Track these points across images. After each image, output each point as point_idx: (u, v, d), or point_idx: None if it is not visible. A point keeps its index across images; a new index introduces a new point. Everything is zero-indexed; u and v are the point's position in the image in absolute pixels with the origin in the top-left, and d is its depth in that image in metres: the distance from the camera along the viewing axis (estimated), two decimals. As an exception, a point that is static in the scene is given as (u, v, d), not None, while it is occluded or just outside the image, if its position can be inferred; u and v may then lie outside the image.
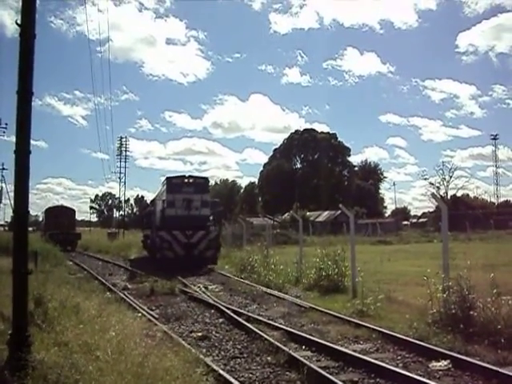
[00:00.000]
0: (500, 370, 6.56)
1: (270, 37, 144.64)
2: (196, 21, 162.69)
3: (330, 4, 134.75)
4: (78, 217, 78.68)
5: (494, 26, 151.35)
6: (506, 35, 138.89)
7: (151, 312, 11.63)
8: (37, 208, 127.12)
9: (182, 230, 22.85)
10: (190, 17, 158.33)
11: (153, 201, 31.76)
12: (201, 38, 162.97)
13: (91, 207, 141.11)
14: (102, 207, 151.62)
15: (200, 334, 9.48)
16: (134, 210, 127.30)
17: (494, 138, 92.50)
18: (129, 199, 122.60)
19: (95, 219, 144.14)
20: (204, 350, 8.30)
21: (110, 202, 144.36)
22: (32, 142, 6.19)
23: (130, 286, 16.84)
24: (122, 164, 79.02)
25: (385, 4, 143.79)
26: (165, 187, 24.87)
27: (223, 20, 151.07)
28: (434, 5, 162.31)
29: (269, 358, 7.78)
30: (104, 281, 17.81)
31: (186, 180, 24.68)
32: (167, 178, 25.15)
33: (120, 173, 78.37)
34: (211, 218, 25.36)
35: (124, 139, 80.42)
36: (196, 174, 28.78)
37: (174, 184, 24.32)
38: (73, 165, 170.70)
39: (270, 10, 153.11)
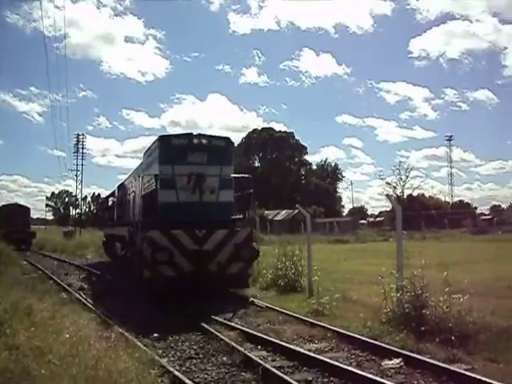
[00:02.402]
0: (449, 368, 6.75)
1: (228, 37, 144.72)
2: (154, 20, 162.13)
3: (288, 7, 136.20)
4: (34, 215, 77.58)
5: (444, 33, 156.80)
6: (455, 41, 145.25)
7: (107, 313, 11.46)
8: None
9: (189, 229, 13.18)
10: (148, 15, 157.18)
11: (121, 185, 22.63)
12: (159, 37, 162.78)
13: (47, 205, 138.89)
14: (59, 205, 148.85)
15: (156, 335, 9.41)
16: (92, 207, 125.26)
17: (449, 140, 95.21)
18: (86, 197, 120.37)
19: (51, 217, 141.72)
20: (160, 351, 8.26)
21: (66, 199, 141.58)
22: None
23: (86, 286, 16.56)
24: (79, 161, 77.54)
25: (341, 8, 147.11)
26: (156, 153, 14.49)
27: (181, 19, 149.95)
28: (389, 10, 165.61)
29: (224, 359, 7.81)
30: (59, 281, 17.44)
31: (196, 141, 14.34)
32: (161, 138, 14.58)
33: (77, 170, 76.93)
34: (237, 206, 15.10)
35: (81, 136, 78.86)
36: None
37: (174, 148, 14.14)
38: (28, 162, 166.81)
39: (228, 10, 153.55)
